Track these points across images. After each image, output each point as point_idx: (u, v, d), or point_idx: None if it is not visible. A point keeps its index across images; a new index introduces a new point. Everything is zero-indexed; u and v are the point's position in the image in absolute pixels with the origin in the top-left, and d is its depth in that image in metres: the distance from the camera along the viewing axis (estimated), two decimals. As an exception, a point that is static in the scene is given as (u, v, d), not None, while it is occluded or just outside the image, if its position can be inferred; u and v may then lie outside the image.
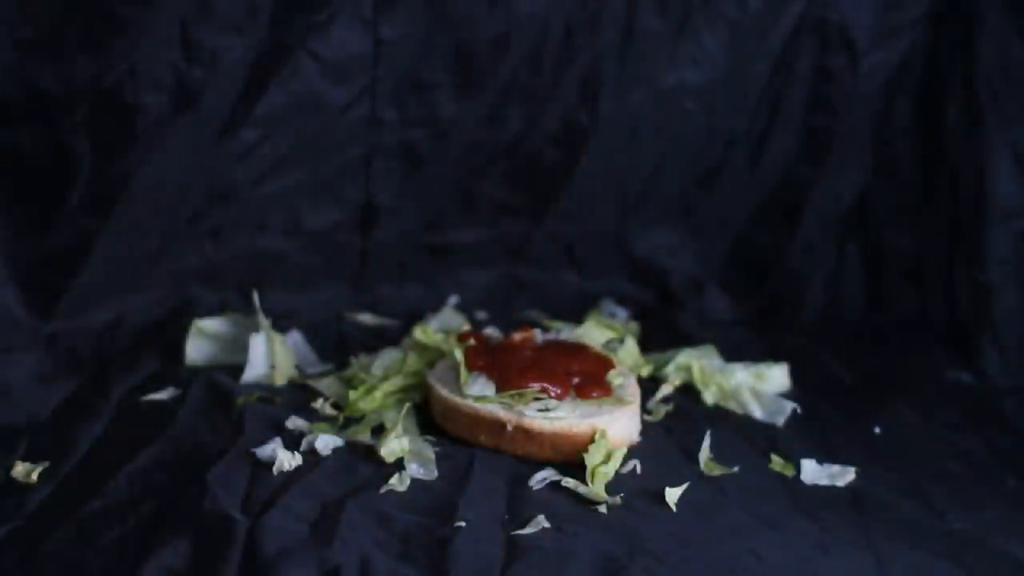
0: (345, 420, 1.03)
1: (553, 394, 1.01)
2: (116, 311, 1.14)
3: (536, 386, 1.01)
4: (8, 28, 1.06)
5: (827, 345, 1.21)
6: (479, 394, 1.01)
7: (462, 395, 1.02)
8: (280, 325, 1.14)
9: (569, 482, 0.97)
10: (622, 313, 1.25)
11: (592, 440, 0.98)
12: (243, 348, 1.11)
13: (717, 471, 0.99)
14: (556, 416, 1.00)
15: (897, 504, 0.98)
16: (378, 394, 1.05)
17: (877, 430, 1.08)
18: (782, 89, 1.23)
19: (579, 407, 1.01)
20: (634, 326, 1.23)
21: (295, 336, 1.15)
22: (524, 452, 1.00)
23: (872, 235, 1.26)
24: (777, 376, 1.13)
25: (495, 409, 1.01)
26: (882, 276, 1.26)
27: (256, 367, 1.09)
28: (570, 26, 1.19)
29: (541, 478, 0.97)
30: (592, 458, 0.97)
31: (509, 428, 1.00)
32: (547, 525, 0.91)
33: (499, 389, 1.02)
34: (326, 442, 0.99)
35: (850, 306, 1.27)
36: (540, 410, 1.00)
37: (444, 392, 1.03)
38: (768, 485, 0.99)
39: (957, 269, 1.22)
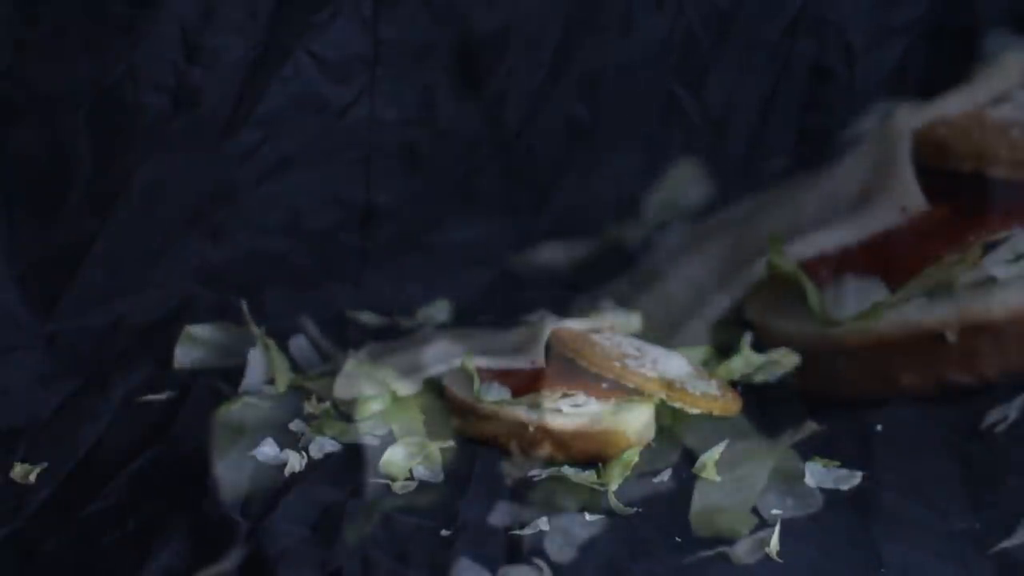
0: (347, 420, 1.04)
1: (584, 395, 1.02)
2: (116, 311, 1.14)
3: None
4: (8, 28, 1.06)
5: (828, 345, 1.21)
6: (496, 399, 1.02)
7: (477, 400, 1.02)
8: (281, 327, 1.14)
9: (569, 471, 0.97)
10: (622, 313, 1.25)
11: (616, 441, 1.00)
12: (233, 354, 1.11)
13: (716, 476, 0.99)
14: (582, 413, 1.00)
15: (898, 504, 0.98)
16: (388, 396, 1.05)
17: (879, 428, 1.08)
18: (779, 88, 1.23)
19: (598, 406, 1.01)
20: (636, 319, 1.23)
21: (300, 340, 1.15)
22: (546, 452, 1.00)
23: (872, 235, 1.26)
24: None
25: (516, 411, 1.01)
26: (883, 276, 1.26)
27: (253, 379, 1.09)
28: (569, 24, 1.19)
29: (543, 471, 0.98)
30: (616, 460, 0.98)
31: (531, 429, 1.00)
32: (548, 527, 0.91)
33: (515, 394, 1.02)
34: (327, 444, 0.99)
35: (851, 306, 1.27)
36: (573, 406, 1.01)
37: (463, 395, 1.03)
38: (770, 485, 0.98)
39: (957, 269, 1.22)
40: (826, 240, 0.71)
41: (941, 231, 0.73)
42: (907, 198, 0.71)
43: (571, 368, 1.04)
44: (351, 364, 1.10)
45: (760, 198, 0.88)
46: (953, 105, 0.76)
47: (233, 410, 1.04)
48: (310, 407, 1.05)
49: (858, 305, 0.74)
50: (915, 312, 0.70)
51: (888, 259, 0.73)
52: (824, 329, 0.71)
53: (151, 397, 1.06)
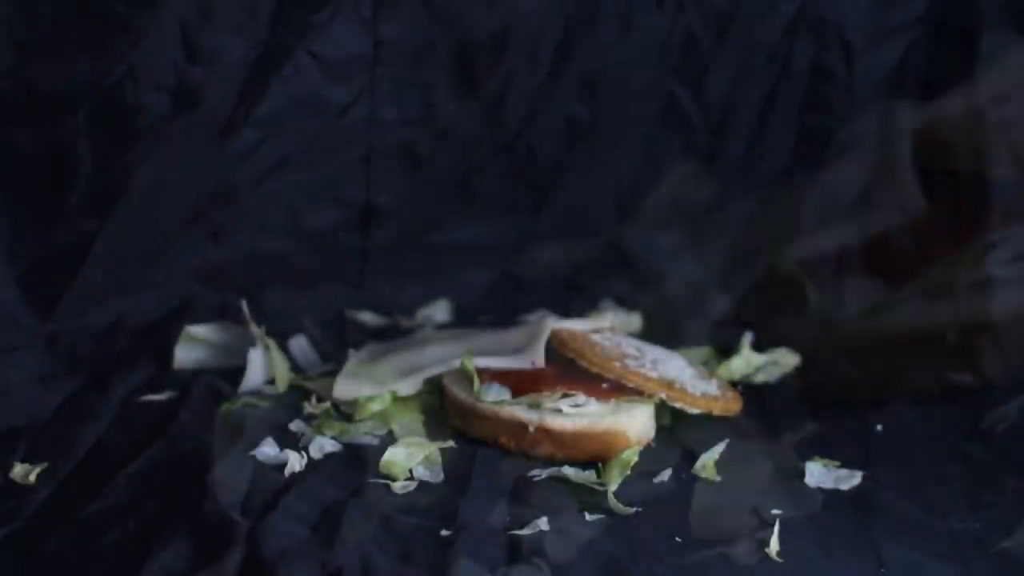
0: (347, 420, 1.04)
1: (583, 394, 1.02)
2: (116, 311, 1.14)
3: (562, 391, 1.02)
4: (8, 28, 1.06)
5: (828, 345, 1.21)
6: (496, 399, 1.02)
7: (477, 400, 1.02)
8: (281, 327, 1.14)
9: (569, 471, 0.97)
10: (622, 313, 1.25)
11: (616, 441, 1.00)
12: (233, 354, 1.12)
13: (716, 476, 0.99)
14: (582, 413, 1.00)
15: (898, 504, 0.98)
16: (388, 396, 1.05)
17: (879, 428, 1.08)
18: (779, 88, 1.23)
19: (598, 406, 1.01)
20: (636, 319, 1.23)
21: (300, 340, 1.15)
22: (546, 452, 1.00)
23: (873, 235, 1.26)
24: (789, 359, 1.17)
25: (517, 410, 1.01)
26: (883, 276, 1.26)
27: (253, 379, 1.09)
28: (568, 24, 1.19)
29: (543, 471, 0.98)
30: (616, 461, 0.98)
31: (531, 429, 1.00)
32: (548, 527, 0.91)
33: (515, 394, 1.02)
34: (327, 444, 0.99)
35: (851, 306, 1.26)
36: (573, 406, 1.01)
37: (463, 395, 1.03)
38: (770, 485, 0.99)
39: (957, 269, 1.22)
40: (826, 240, 0.70)
41: (941, 231, 0.71)
42: (907, 198, 0.70)
43: (571, 368, 1.04)
44: (351, 364, 1.10)
45: (760, 198, 0.87)
46: (953, 105, 0.74)
47: (233, 410, 1.04)
48: (310, 407, 1.05)
49: (858, 305, 0.72)
50: (915, 312, 0.68)
51: (888, 259, 0.71)
52: (824, 329, 0.70)
53: (151, 397, 1.06)
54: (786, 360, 1.18)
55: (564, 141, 1.23)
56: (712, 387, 1.07)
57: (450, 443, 1.01)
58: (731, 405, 1.07)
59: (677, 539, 0.91)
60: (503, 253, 1.26)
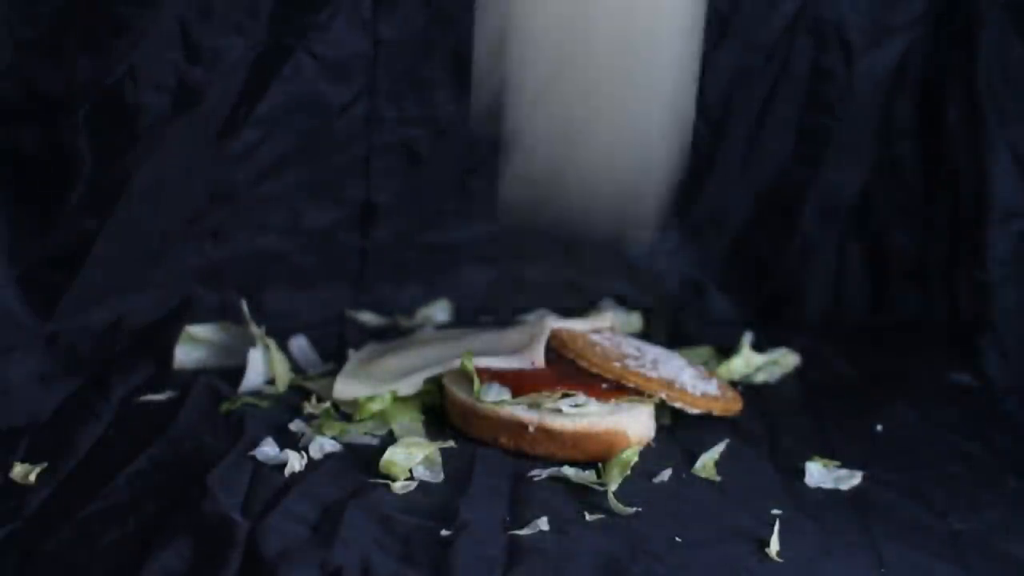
0: (347, 420, 1.04)
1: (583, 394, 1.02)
2: (116, 311, 1.13)
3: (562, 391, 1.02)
4: (8, 28, 1.06)
5: (828, 345, 1.21)
6: (496, 399, 1.02)
7: (477, 401, 1.02)
8: (281, 327, 1.14)
9: (569, 471, 0.98)
10: (622, 313, 1.25)
11: (616, 441, 1.00)
12: (233, 354, 1.12)
13: (716, 476, 0.99)
14: (583, 413, 1.00)
15: (898, 505, 0.98)
16: (388, 396, 1.05)
17: (879, 428, 1.08)
18: (778, 88, 1.23)
19: (598, 406, 1.01)
20: (636, 319, 1.23)
21: (300, 340, 1.15)
22: (546, 452, 1.00)
23: (873, 235, 1.26)
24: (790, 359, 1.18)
25: (517, 410, 1.01)
26: (883, 276, 1.26)
27: (253, 379, 1.09)
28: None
29: (543, 471, 0.98)
30: (616, 460, 0.98)
31: (531, 429, 1.00)
32: (548, 527, 0.91)
33: (515, 394, 1.02)
34: (327, 444, 0.99)
35: (851, 306, 1.27)
36: (573, 406, 1.01)
37: (463, 395, 1.03)
38: (769, 486, 0.99)
39: (957, 269, 1.22)
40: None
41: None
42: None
43: (571, 368, 1.04)
44: (351, 364, 1.10)
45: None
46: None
47: (233, 410, 1.04)
48: (310, 407, 1.05)
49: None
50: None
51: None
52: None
53: (151, 397, 1.06)
54: (786, 360, 1.18)
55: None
56: (712, 387, 1.07)
57: (450, 443, 1.01)
58: (731, 405, 1.07)
59: (677, 539, 0.91)
60: (503, 253, 1.26)
